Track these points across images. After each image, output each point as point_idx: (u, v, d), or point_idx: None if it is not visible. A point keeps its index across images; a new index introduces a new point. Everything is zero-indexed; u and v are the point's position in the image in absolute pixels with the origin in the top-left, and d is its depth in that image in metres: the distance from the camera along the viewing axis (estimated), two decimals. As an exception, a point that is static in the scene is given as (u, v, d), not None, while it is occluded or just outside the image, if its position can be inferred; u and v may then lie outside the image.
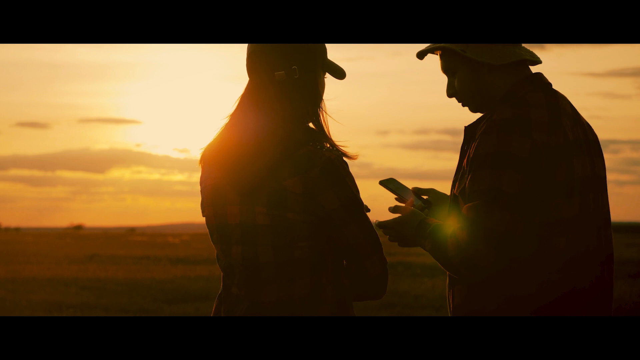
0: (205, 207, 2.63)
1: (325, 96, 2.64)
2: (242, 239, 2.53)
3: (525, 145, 2.48)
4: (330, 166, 2.48)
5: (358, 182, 2.56)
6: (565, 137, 2.54)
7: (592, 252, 2.58)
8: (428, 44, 2.70)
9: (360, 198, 2.53)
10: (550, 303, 2.52)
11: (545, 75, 2.68)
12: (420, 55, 2.72)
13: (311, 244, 2.50)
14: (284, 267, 2.50)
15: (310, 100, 2.58)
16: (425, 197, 2.85)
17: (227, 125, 2.61)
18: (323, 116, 2.60)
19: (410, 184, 2.91)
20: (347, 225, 2.50)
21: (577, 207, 2.54)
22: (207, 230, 2.65)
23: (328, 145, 2.55)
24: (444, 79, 2.76)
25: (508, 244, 2.46)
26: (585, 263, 2.56)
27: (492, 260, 2.46)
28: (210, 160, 2.61)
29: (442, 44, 2.66)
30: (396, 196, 2.87)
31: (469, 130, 2.65)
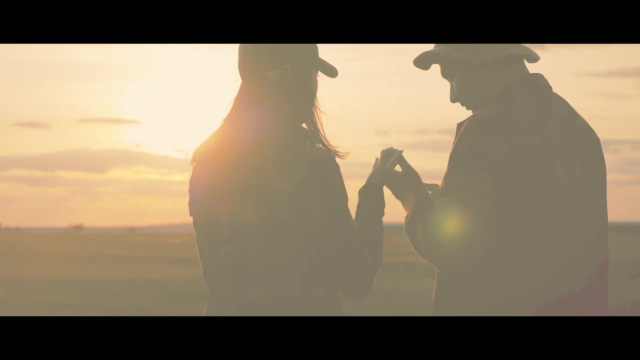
0: (194, 206, 2.62)
1: (317, 94, 2.64)
2: (231, 238, 2.53)
3: (501, 147, 2.46)
4: (319, 167, 2.48)
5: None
6: (549, 140, 2.50)
7: (578, 258, 2.52)
8: (419, 54, 2.68)
9: (345, 201, 2.52)
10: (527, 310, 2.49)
11: (546, 75, 2.67)
12: (419, 64, 2.70)
13: (300, 244, 2.50)
14: (273, 266, 2.50)
15: (304, 98, 2.59)
16: (429, 192, 2.86)
17: (221, 126, 2.61)
18: (317, 114, 2.61)
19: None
20: (324, 231, 2.49)
21: (561, 212, 2.50)
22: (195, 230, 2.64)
23: (320, 145, 2.54)
24: (444, 79, 2.76)
25: (473, 243, 2.44)
26: (570, 269, 2.51)
27: (454, 259, 2.45)
28: (205, 160, 2.60)
29: (427, 52, 2.65)
30: None
31: (460, 126, 2.64)
